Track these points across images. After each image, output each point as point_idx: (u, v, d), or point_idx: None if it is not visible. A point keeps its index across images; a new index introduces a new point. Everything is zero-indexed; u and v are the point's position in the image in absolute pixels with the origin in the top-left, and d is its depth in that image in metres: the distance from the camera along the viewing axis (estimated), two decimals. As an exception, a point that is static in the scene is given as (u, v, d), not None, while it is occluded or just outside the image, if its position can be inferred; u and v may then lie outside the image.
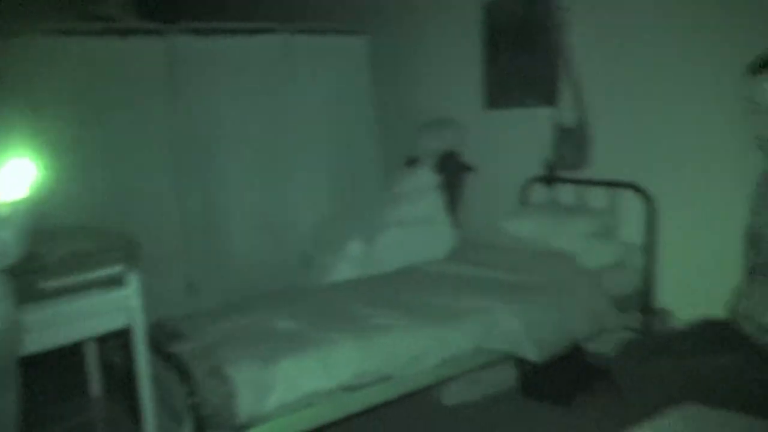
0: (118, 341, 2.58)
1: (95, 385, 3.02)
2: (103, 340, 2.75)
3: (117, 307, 2.07)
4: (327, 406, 2.08)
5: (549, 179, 3.35)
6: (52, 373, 3.12)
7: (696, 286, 2.75)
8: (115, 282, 2.06)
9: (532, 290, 2.66)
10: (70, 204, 2.97)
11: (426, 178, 3.67)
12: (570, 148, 3.17)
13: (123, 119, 3.32)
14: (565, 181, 3.29)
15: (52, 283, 1.94)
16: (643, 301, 2.97)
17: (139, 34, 3.44)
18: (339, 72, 4.00)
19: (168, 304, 2.85)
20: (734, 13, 2.54)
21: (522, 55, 3.25)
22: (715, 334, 1.88)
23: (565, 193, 3.33)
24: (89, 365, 3.01)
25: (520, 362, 2.87)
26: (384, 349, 2.19)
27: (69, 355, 2.69)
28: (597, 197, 3.16)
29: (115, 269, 2.06)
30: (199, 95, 3.56)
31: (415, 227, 3.52)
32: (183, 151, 3.58)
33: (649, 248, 2.95)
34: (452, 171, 3.72)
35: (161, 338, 2.33)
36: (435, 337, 2.30)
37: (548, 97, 3.23)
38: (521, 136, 3.48)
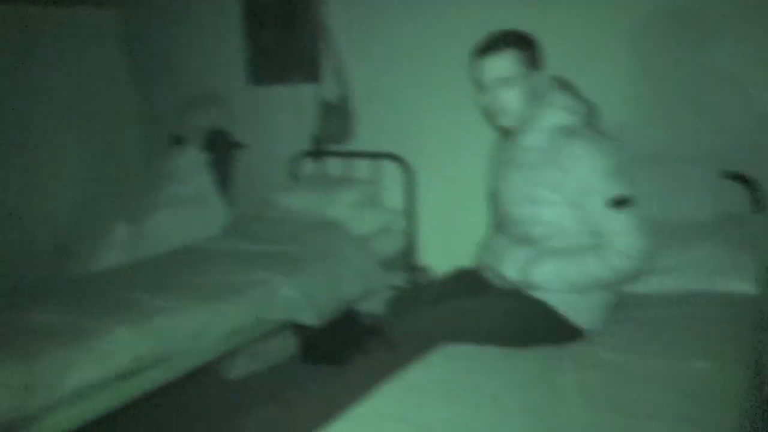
0: None
1: None
2: None
3: None
4: (103, 397, 1.98)
5: (316, 153, 3.48)
6: None
7: (451, 243, 3.07)
8: None
9: (307, 259, 2.76)
10: None
11: (193, 157, 3.59)
12: (334, 123, 3.33)
13: None
14: (331, 154, 3.44)
15: None
16: (407, 260, 3.27)
17: None
18: (86, 47, 3.71)
19: None
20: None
21: (284, 31, 3.30)
22: (463, 282, 2.15)
23: (334, 166, 3.49)
24: None
25: (300, 330, 3.00)
26: (161, 331, 2.13)
27: None
28: (362, 169, 3.37)
29: None
30: None
31: (186, 207, 3.44)
32: None
33: (409, 213, 3.24)
34: (221, 149, 3.68)
35: None
36: (214, 312, 2.28)
37: (311, 74, 3.34)
38: (288, 112, 3.56)
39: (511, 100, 1.84)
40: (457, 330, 1.88)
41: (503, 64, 1.81)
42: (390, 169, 3.26)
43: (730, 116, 2.44)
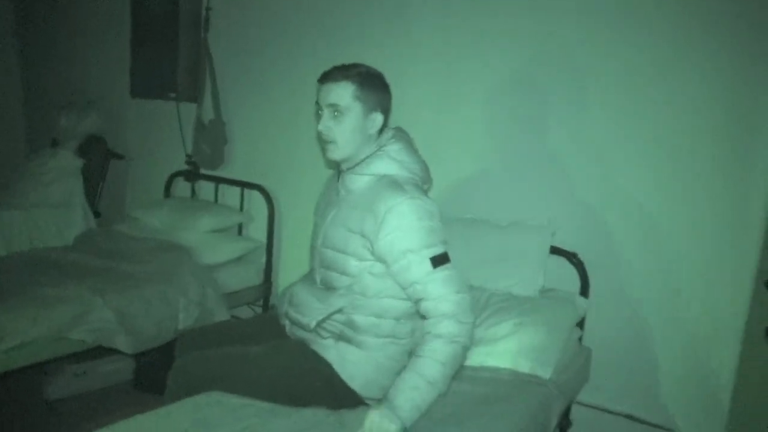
0: None
1: None
2: None
3: None
4: None
5: (189, 174, 3.39)
6: None
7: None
8: None
9: (139, 282, 2.64)
10: None
11: (66, 160, 3.47)
12: (208, 146, 3.24)
13: None
14: (203, 177, 3.36)
15: None
16: (264, 294, 3.17)
17: None
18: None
19: None
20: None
21: (168, 47, 3.23)
22: (265, 325, 2.06)
23: (207, 190, 3.40)
24: None
25: (138, 355, 2.85)
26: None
27: None
28: (233, 196, 3.29)
29: None
30: None
31: (43, 210, 3.31)
32: None
33: (269, 245, 3.16)
34: (96, 156, 3.56)
35: None
36: (3, 322, 2.15)
37: (190, 93, 3.26)
38: (167, 129, 3.47)
39: (340, 131, 1.76)
40: (231, 377, 1.78)
41: (338, 92, 1.75)
42: (258, 199, 3.19)
43: (567, 195, 2.43)
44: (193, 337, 2.04)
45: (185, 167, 3.40)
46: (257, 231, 3.23)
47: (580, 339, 2.34)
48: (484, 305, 2.19)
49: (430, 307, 1.67)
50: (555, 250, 2.34)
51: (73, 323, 2.34)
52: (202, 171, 3.37)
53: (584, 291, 2.34)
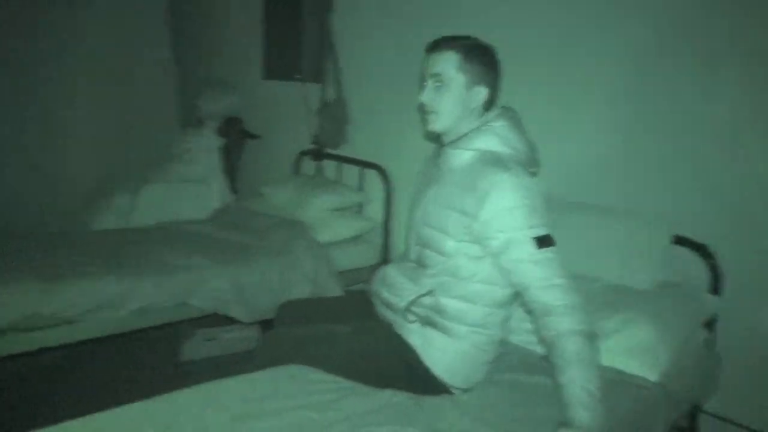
0: None
1: None
2: None
3: None
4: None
5: (314, 153, 3.48)
6: None
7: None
8: None
9: (259, 255, 2.77)
10: None
11: (207, 139, 3.71)
12: (332, 126, 3.31)
13: None
14: (326, 156, 3.43)
15: None
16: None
17: None
18: (133, 17, 3.94)
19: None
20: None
21: (293, 30, 3.32)
22: (356, 303, 2.06)
23: (332, 169, 3.48)
24: None
25: (265, 324, 3.00)
26: (69, 293, 2.22)
27: None
28: (353, 176, 3.33)
29: None
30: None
31: (183, 186, 3.57)
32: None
33: (386, 225, 3.15)
34: (234, 136, 3.78)
35: None
36: (128, 287, 2.35)
37: (315, 75, 3.34)
38: (295, 110, 3.58)
39: (441, 102, 1.72)
40: (316, 353, 1.80)
41: (441, 63, 1.70)
42: (377, 179, 3.19)
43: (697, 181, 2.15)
44: (291, 309, 2.09)
45: (311, 146, 3.50)
46: (375, 211, 3.24)
47: (707, 342, 2.07)
48: (591, 298, 2.01)
49: (540, 295, 1.55)
50: (681, 241, 2.09)
51: (192, 291, 2.51)
52: (326, 150, 3.44)
53: (715, 287, 2.06)
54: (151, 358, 3.09)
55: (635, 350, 1.81)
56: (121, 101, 4.00)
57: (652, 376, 1.77)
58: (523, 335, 1.94)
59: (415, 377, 1.73)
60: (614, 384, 1.74)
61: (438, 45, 1.72)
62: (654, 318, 1.86)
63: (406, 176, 3.08)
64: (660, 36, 2.17)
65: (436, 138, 1.85)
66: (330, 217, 3.11)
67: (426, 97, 1.73)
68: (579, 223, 2.15)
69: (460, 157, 1.73)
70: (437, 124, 1.75)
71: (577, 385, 1.45)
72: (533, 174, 1.72)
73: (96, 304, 2.28)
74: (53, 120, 3.76)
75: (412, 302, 1.75)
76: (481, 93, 1.71)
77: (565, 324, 1.51)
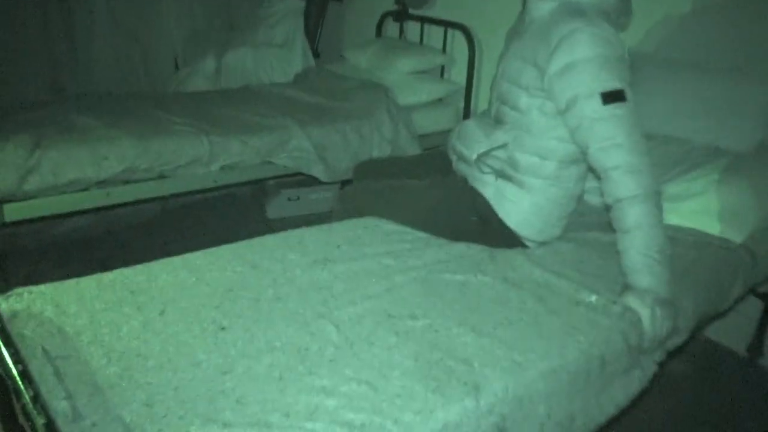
0: None
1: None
2: None
3: None
4: (93, 194, 2.28)
5: (397, 14, 3.37)
6: None
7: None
8: None
9: (340, 116, 2.79)
10: None
11: (290, 3, 3.66)
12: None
13: None
14: (410, 17, 3.32)
15: None
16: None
17: None
18: None
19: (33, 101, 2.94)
20: None
21: None
22: (431, 161, 2.07)
23: (415, 31, 3.37)
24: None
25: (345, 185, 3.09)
26: (162, 149, 2.35)
27: None
28: (439, 37, 3.22)
29: None
30: None
31: (267, 49, 3.57)
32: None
33: (470, 88, 3.08)
34: (316, -1, 3.70)
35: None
36: (217, 144, 2.45)
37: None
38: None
39: None
40: (391, 206, 1.85)
41: None
42: (462, 41, 3.08)
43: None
44: (368, 166, 2.13)
45: (394, 7, 3.38)
46: (459, 74, 3.16)
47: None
48: (681, 158, 1.93)
49: (599, 157, 1.49)
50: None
51: (276, 149, 2.59)
52: (410, 11, 3.33)
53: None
54: (238, 214, 3.28)
55: (723, 212, 1.74)
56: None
57: (738, 238, 1.71)
58: (599, 195, 1.90)
59: (488, 229, 1.75)
60: (695, 245, 1.70)
61: None
62: (745, 180, 1.76)
63: (493, 36, 2.95)
64: None
65: None
66: (412, 80, 3.06)
67: None
68: (671, 80, 2.02)
69: (542, 7, 1.63)
70: None
71: (637, 251, 1.43)
72: (622, 26, 1.60)
73: (187, 160, 2.40)
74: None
75: (484, 154, 1.74)
76: None
77: (622, 189, 1.45)
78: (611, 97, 1.48)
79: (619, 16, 1.63)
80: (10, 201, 2.14)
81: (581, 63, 1.50)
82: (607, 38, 1.50)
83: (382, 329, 1.30)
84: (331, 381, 1.13)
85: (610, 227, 1.55)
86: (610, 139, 1.48)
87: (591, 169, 1.63)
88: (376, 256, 1.62)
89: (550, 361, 1.24)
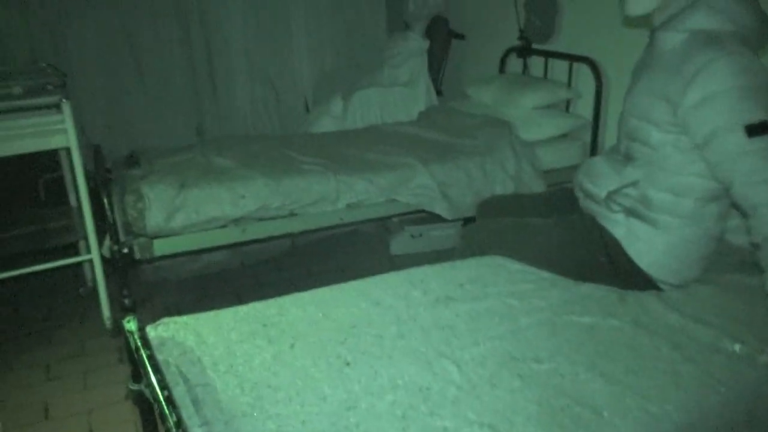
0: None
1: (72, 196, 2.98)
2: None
3: (54, 129, 2.40)
4: (231, 231, 2.44)
5: (521, 50, 3.36)
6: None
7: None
8: (52, 107, 2.39)
9: (462, 154, 2.81)
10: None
11: (414, 42, 3.76)
12: (538, 17, 3.15)
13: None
14: (534, 52, 3.29)
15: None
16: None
17: None
18: None
19: (179, 142, 3.23)
20: None
21: None
22: (555, 199, 2.02)
23: (539, 66, 3.34)
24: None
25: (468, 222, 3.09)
26: (292, 188, 2.47)
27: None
28: (563, 71, 3.17)
29: (52, 98, 2.39)
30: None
31: (391, 89, 3.68)
32: (186, 2, 3.83)
33: (596, 122, 2.99)
34: (440, 36, 3.77)
35: (121, 162, 2.76)
36: (344, 182, 2.54)
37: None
38: (500, 5, 3.46)
39: None
40: (515, 244, 1.83)
41: None
42: (588, 74, 3.01)
43: None
44: (492, 204, 2.12)
45: (518, 42, 3.38)
46: (585, 108, 3.08)
47: None
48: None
49: (746, 193, 1.41)
50: None
51: (399, 187, 2.64)
52: (534, 46, 3.31)
53: None
54: (363, 249, 3.37)
55: None
56: (335, 9, 4.17)
57: None
58: (743, 234, 1.77)
59: (618, 270, 1.68)
60: None
61: None
62: None
63: (621, 69, 2.86)
64: None
65: (646, 23, 1.69)
66: (536, 115, 3.02)
67: None
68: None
69: (672, 39, 1.57)
70: (634, 7, 1.60)
71: None
72: (765, 50, 1.50)
73: (315, 198, 2.51)
74: (278, 31, 4.05)
75: (614, 192, 1.68)
76: None
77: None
78: (757, 129, 1.39)
79: (762, 44, 1.53)
80: (157, 236, 2.34)
81: (720, 95, 1.42)
82: (747, 66, 1.42)
83: (506, 371, 1.28)
84: (453, 423, 1.13)
85: (756, 269, 1.44)
86: (758, 173, 1.39)
87: (735, 206, 1.53)
88: (499, 296, 1.60)
89: (688, 414, 1.16)
